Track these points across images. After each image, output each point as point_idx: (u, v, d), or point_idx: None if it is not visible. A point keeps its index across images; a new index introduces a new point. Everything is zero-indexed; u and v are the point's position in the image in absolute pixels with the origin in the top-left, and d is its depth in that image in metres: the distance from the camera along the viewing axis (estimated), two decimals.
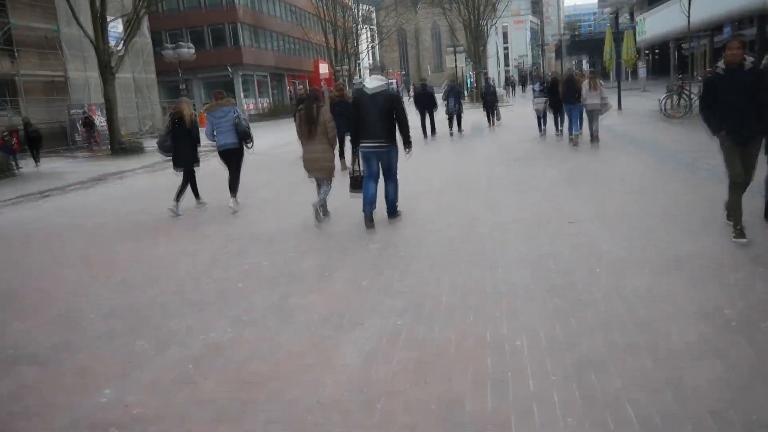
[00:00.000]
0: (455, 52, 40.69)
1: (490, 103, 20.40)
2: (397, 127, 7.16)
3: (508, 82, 50.08)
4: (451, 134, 18.69)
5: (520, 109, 30.84)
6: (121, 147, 22.55)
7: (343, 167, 10.91)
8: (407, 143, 7.35)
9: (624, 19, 59.94)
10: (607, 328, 3.80)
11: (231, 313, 4.65)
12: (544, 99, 15.78)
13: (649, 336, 3.64)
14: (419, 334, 3.96)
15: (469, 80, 48.68)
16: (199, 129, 9.42)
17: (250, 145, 9.19)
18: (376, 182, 7.25)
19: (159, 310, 4.89)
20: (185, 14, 47.12)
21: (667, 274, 4.65)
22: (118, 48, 22.84)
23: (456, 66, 40.57)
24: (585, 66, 63.79)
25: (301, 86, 16.60)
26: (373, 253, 5.92)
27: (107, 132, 24.45)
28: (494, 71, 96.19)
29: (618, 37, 29.29)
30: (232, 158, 9.12)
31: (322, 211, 7.60)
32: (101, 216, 9.78)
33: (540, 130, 16.26)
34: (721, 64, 5.44)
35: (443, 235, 6.40)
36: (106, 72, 22.44)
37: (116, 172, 16.75)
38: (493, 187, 9.10)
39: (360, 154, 7.26)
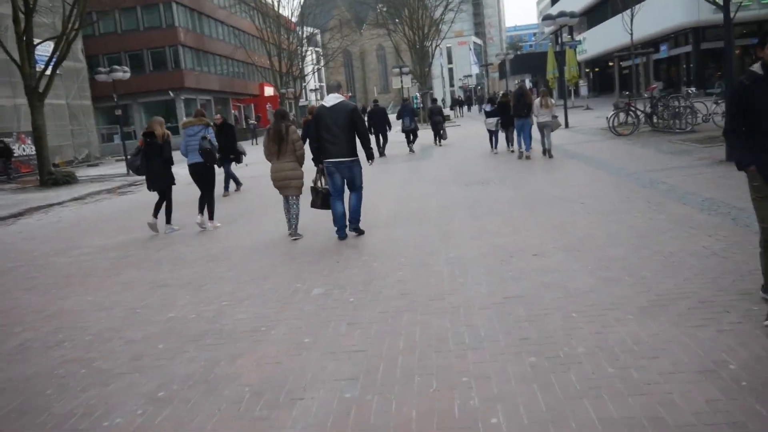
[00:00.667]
0: (401, 74, 40.46)
1: (436, 122, 21.01)
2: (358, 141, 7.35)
3: (455, 103, 50.09)
4: (410, 151, 19.34)
5: (468, 128, 30.71)
6: (51, 177, 21.14)
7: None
8: (369, 155, 7.68)
9: (564, 38, 61.34)
10: (597, 394, 3.16)
11: (144, 386, 3.83)
12: (495, 118, 16.23)
13: (649, 404, 3.02)
14: (372, 411, 3.23)
15: (415, 101, 48.58)
16: (171, 147, 9.32)
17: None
18: (342, 199, 7.52)
19: (57, 384, 4.02)
20: (123, 37, 45.53)
21: (653, 317, 4.06)
22: (47, 72, 21.47)
23: (402, 87, 40.38)
24: (528, 84, 64.83)
25: (218, 115, 15.46)
26: (317, 301, 5.17)
27: (36, 161, 22.98)
28: (440, 91, 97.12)
29: (561, 56, 29.51)
30: (202, 176, 9.20)
31: (294, 236, 7.95)
32: (12, 259, 8.72)
33: (492, 148, 16.78)
34: (757, 67, 3.92)
35: (396, 275, 5.70)
36: (33, 97, 21.10)
37: (42, 206, 15.51)
38: (447, 215, 8.49)
39: (325, 169, 7.47)
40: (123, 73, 23.84)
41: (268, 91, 59.27)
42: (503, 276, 5.31)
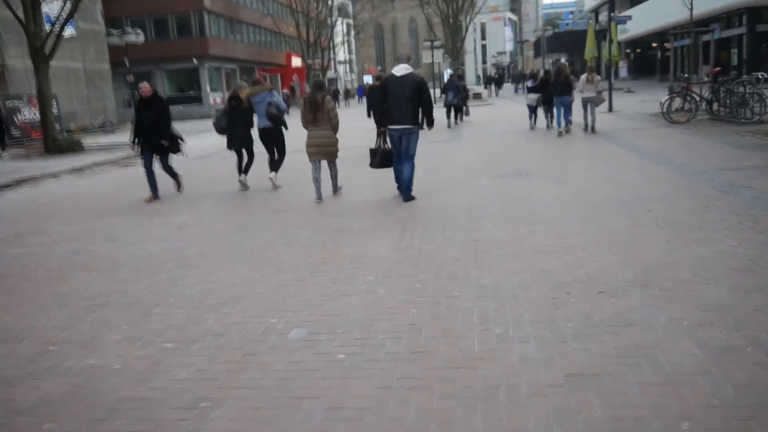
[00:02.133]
0: (432, 47, 38.41)
1: (461, 99, 20.78)
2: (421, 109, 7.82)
3: (490, 80, 47.40)
4: (448, 125, 19.16)
5: (501, 109, 28.79)
6: (56, 144, 19.89)
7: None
8: (430, 122, 8.03)
9: (604, 17, 58.19)
10: None
11: None
12: (537, 95, 16.36)
13: None
14: None
15: (448, 76, 46.66)
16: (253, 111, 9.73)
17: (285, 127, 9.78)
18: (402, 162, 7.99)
19: None
20: (148, 0, 44.01)
21: None
22: (55, 29, 20.07)
23: (433, 61, 38.41)
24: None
25: (145, 83, 11.57)
26: (292, 353, 3.64)
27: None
28: (472, 68, 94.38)
29: (603, 35, 27.34)
30: (270, 139, 9.68)
31: (336, 192, 8.71)
32: None
33: (531, 123, 16.91)
34: None
35: (406, 315, 4.15)
36: (38, 59, 19.78)
37: (36, 176, 14.21)
38: (477, 217, 6.88)
39: (387, 134, 8.06)
40: (136, 36, 22.40)
41: (296, 61, 57.43)
42: (560, 329, 3.71)
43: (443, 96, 20.22)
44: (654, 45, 49.44)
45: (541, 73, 17.58)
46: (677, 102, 15.64)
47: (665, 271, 4.62)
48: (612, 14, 25.92)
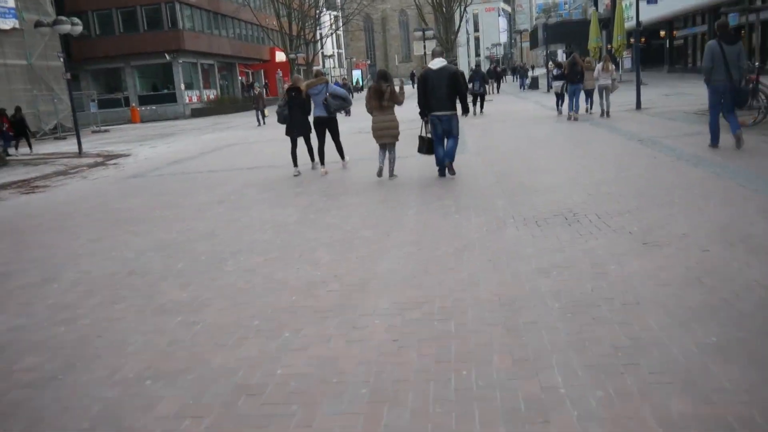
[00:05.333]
0: (424, 37, 34.88)
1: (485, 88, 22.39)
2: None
3: (491, 74, 41.73)
4: (474, 113, 20.29)
5: (508, 106, 25.30)
6: None
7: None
8: (465, 109, 9.94)
9: (603, 7, 54.56)
10: None
11: None
12: (561, 82, 17.43)
13: None
14: None
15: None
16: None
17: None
18: (443, 145, 8.93)
19: None
20: None
21: None
22: None
23: (425, 53, 34.88)
24: (561, 56, 58.51)
25: None
26: None
27: None
28: (465, 61, 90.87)
29: (605, 24, 23.91)
30: (324, 127, 10.55)
31: (391, 176, 9.32)
32: None
33: (558, 109, 18.19)
34: None
35: None
36: None
37: None
38: (527, 364, 3.32)
39: (429, 121, 8.86)
40: (72, 26, 18.75)
41: (281, 56, 53.66)
42: None
43: (471, 85, 20.80)
44: (662, 34, 45.96)
45: (566, 61, 18.07)
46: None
47: None
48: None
